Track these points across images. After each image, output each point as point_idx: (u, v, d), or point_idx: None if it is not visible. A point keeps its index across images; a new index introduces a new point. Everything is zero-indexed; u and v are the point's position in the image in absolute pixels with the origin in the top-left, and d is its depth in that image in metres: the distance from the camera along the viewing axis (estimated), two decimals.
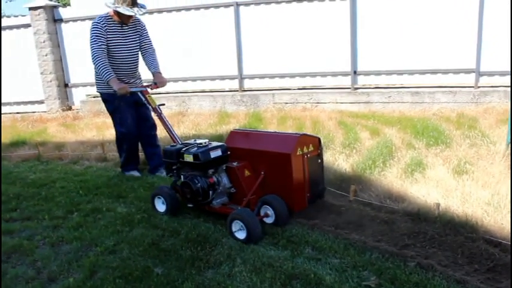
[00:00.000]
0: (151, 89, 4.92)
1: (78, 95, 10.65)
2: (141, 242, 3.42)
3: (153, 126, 5.30)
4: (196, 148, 3.80)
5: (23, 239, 3.71)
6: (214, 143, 3.89)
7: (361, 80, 8.55)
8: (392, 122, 6.89)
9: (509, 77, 7.19)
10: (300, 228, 3.49)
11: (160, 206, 4.06)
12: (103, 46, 4.76)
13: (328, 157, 5.18)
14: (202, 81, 9.68)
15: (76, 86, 10.63)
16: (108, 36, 4.81)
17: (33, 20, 10.39)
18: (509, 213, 3.46)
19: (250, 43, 9.11)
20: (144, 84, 5.18)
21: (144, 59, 5.15)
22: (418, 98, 7.94)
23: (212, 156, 3.73)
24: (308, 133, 3.88)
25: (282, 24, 8.78)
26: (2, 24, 10.93)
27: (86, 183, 5.09)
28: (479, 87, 7.72)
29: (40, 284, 2.97)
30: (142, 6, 4.78)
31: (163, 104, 4.80)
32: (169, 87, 9.81)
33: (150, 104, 4.69)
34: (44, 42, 10.43)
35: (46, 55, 10.49)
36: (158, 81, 4.96)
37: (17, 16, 11.14)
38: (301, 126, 6.92)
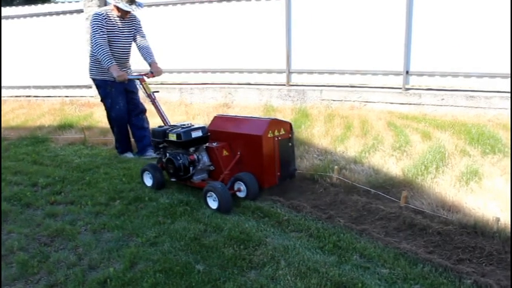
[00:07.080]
0: (148, 77, 5.34)
1: None
2: (183, 236, 3.35)
3: (143, 111, 5.87)
4: (179, 129, 4.22)
5: (66, 223, 3.73)
6: (196, 125, 4.32)
7: (413, 81, 8.20)
8: (445, 126, 6.57)
9: None
10: (348, 233, 3.34)
11: (148, 181, 4.52)
12: (104, 35, 5.25)
13: (377, 159, 4.97)
14: (249, 74, 9.55)
15: None
16: (108, 27, 5.29)
17: (86, 6, 10.52)
18: None
19: (300, 37, 8.90)
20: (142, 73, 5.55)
21: (140, 51, 5.62)
22: (473, 103, 7.55)
23: (193, 136, 4.18)
24: (279, 118, 4.38)
25: (334, 18, 8.53)
26: (54, 10, 11.19)
27: (129, 170, 5.09)
28: None
29: (81, 271, 2.94)
30: (140, 5, 5.35)
31: (158, 91, 5.22)
32: (215, 78, 9.88)
33: (145, 91, 5.10)
34: None
35: None
36: (154, 70, 5.45)
37: (70, 2, 11.33)
38: (349, 126, 6.70)
